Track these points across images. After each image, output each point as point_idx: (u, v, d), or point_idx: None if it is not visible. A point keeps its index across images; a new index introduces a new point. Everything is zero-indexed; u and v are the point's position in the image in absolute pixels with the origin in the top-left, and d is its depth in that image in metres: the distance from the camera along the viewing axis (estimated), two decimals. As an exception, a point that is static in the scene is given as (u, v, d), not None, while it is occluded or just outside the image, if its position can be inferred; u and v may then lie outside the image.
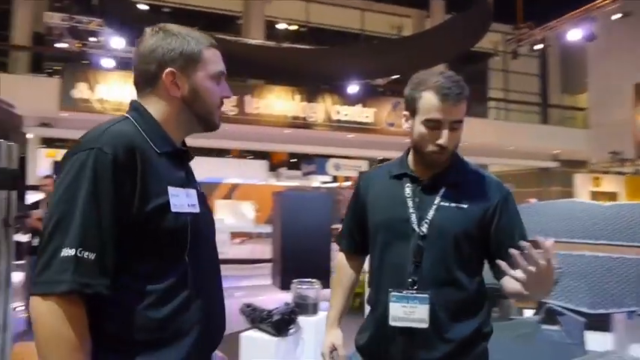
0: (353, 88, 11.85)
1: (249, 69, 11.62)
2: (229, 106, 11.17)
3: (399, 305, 1.47)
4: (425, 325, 1.46)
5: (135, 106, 1.22)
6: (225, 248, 10.55)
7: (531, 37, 12.81)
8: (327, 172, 14.32)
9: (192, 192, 1.20)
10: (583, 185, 13.70)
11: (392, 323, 1.48)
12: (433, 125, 1.46)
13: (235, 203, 12.13)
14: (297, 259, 6.18)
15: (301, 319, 4.02)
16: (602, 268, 3.13)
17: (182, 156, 1.24)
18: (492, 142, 13.22)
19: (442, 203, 1.50)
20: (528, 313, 3.39)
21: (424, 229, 1.48)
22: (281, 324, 3.88)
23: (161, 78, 1.19)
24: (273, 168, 14.62)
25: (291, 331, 3.95)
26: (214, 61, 1.23)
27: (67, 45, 12.33)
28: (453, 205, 1.50)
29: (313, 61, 11.59)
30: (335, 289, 1.79)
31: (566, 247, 3.50)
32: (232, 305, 4.76)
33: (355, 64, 11.24)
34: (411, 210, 1.51)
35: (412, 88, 1.51)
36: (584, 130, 14.87)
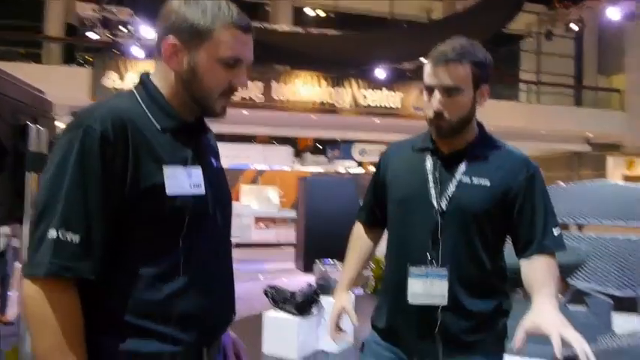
0: (380, 73, 11.72)
1: (277, 55, 11.63)
2: (256, 93, 11.22)
3: (417, 282, 1.44)
4: (444, 302, 1.43)
5: (142, 79, 1.16)
6: (249, 233, 10.67)
7: (567, 16, 12.44)
8: (353, 157, 14.27)
9: (197, 171, 1.11)
10: (616, 169, 13.30)
11: (410, 300, 1.45)
12: (428, 91, 1.44)
13: (260, 188, 12.22)
14: (321, 242, 6.25)
15: (323, 300, 4.05)
16: (634, 250, 3.04)
17: (191, 131, 1.16)
18: (523, 125, 12.93)
19: (463, 180, 1.46)
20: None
21: (443, 204, 1.45)
22: (304, 305, 3.92)
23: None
24: (299, 154, 14.67)
25: (313, 311, 3.98)
26: (230, 44, 1.09)
27: (98, 35, 12.57)
28: (474, 181, 1.45)
29: (341, 47, 11.51)
30: (349, 256, 1.75)
31: (597, 229, 3.42)
32: (255, 288, 4.83)
33: (385, 49, 11.11)
34: (431, 184, 1.48)
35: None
36: (619, 112, 14.40)
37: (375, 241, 1.75)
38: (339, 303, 1.65)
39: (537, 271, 1.42)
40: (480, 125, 1.56)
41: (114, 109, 1.06)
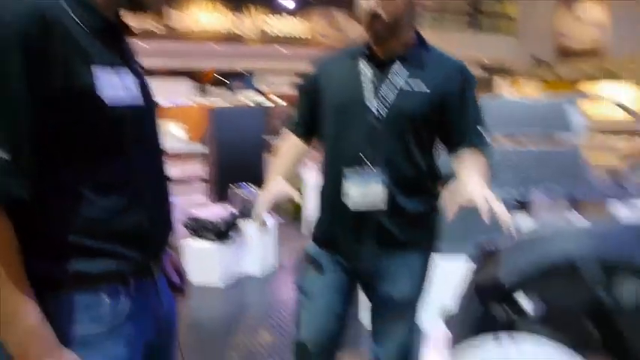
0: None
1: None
2: (154, 23, 10.47)
3: (354, 185, 1.45)
4: (381, 205, 1.45)
5: None
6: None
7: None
8: (258, 88, 13.96)
9: (127, 75, 1.02)
10: (502, 90, 14.22)
11: (350, 207, 1.45)
12: None
13: (164, 125, 11.67)
14: (232, 173, 6.23)
15: (244, 225, 4.05)
16: (531, 159, 3.33)
17: (115, 32, 1.04)
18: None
19: (404, 87, 1.45)
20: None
21: (381, 109, 1.45)
22: (224, 231, 3.90)
23: None
24: (202, 87, 14.11)
25: (232, 236, 3.98)
26: None
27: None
28: (414, 88, 1.46)
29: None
30: (281, 151, 1.67)
31: (496, 141, 3.67)
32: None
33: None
34: (368, 89, 1.46)
35: None
36: (512, 38, 15.16)
37: (308, 144, 1.70)
38: (276, 187, 1.54)
39: (467, 161, 1.49)
40: (417, 32, 1.55)
41: (30, 2, 0.89)
